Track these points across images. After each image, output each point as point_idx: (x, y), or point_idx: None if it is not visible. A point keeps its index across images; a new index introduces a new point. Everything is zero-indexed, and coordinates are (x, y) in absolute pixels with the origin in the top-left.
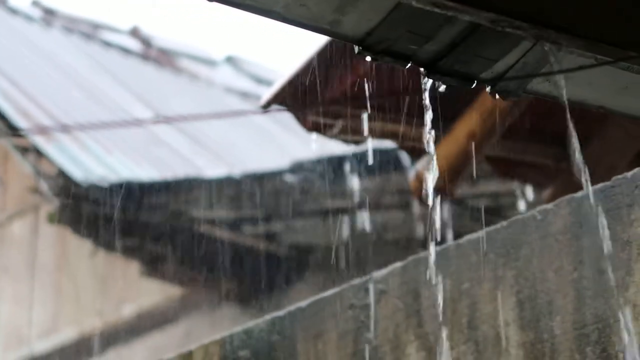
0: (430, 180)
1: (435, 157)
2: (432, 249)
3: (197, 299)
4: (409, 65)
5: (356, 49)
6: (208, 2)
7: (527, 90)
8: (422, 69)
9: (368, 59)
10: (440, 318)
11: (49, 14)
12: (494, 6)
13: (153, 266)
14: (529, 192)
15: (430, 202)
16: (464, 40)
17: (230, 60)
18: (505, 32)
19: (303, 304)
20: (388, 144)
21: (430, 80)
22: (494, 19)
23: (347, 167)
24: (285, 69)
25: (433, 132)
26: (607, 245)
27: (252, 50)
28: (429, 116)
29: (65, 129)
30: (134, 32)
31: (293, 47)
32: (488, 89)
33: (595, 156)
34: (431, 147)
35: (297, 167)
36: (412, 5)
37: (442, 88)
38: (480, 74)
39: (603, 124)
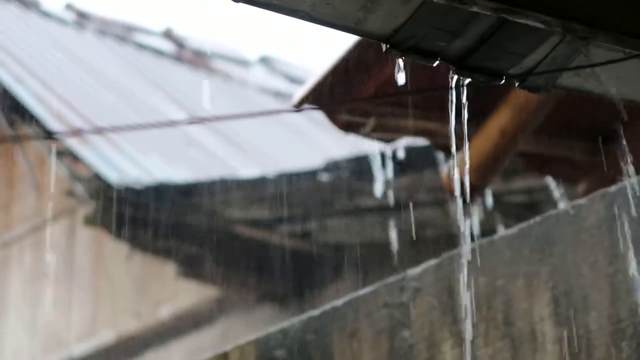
0: (458, 177)
1: (466, 154)
2: (465, 246)
3: (234, 300)
4: (437, 62)
5: (383, 47)
6: (234, 2)
7: (556, 85)
8: (450, 66)
9: (395, 57)
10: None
11: (82, 17)
12: (521, 1)
13: (189, 267)
14: (563, 187)
15: (460, 199)
16: (492, 36)
17: (264, 60)
18: (533, 27)
19: (338, 303)
20: (421, 141)
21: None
22: (520, 14)
23: (381, 165)
24: (318, 67)
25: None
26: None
27: (285, 49)
28: (455, 113)
29: (99, 130)
30: (168, 34)
31: (326, 46)
32: (517, 84)
33: (629, 149)
34: (462, 144)
35: (332, 166)
36: (439, 2)
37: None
38: (509, 70)
39: (636, 117)
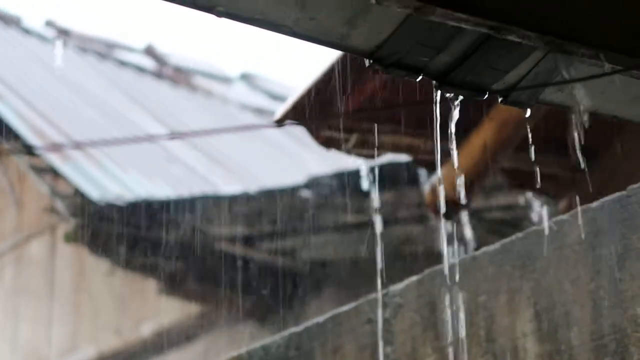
0: (442, 193)
1: (448, 170)
2: (447, 262)
3: (216, 316)
4: (421, 77)
5: (367, 62)
6: (217, 17)
7: (539, 101)
8: (433, 81)
9: (379, 72)
10: (455, 331)
11: (63, 34)
12: (503, 16)
13: (171, 284)
14: (545, 203)
15: (442, 215)
16: (475, 51)
17: (245, 77)
18: (516, 42)
19: (320, 319)
20: (403, 157)
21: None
22: (503, 29)
23: (362, 181)
24: (300, 84)
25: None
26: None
27: (267, 66)
28: (439, 128)
29: (78, 145)
30: (149, 51)
31: (308, 63)
32: (500, 100)
33: (613, 165)
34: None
35: (313, 182)
36: (422, 18)
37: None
38: (492, 85)
39: (620, 133)
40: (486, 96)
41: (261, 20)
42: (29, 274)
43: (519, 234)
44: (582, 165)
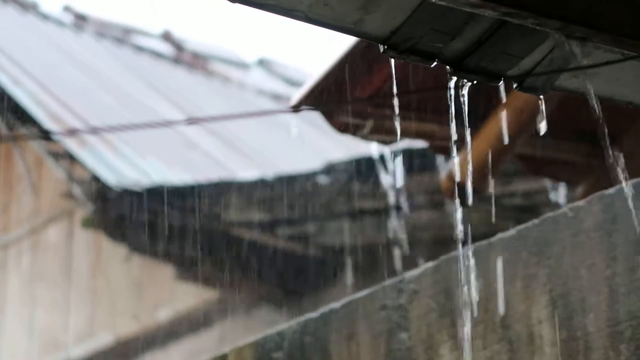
0: (457, 179)
1: (465, 156)
2: (462, 248)
3: (232, 302)
4: (435, 63)
5: (381, 48)
6: (231, 3)
7: (554, 87)
8: (448, 67)
9: (393, 58)
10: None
11: (81, 19)
12: (518, 2)
13: (188, 270)
14: (561, 189)
15: (459, 201)
16: (490, 37)
17: (262, 62)
18: (531, 28)
19: (336, 305)
20: (420, 143)
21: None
22: (518, 15)
23: (379, 167)
24: (316, 70)
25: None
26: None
27: (284, 52)
28: (457, 115)
29: (95, 131)
30: (166, 36)
31: (325, 48)
32: (515, 86)
33: (628, 152)
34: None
35: (330, 169)
36: (437, 3)
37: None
38: (507, 71)
39: (635, 120)
40: (501, 82)
41: (274, 6)
42: (46, 259)
43: (535, 221)
44: (608, 151)
